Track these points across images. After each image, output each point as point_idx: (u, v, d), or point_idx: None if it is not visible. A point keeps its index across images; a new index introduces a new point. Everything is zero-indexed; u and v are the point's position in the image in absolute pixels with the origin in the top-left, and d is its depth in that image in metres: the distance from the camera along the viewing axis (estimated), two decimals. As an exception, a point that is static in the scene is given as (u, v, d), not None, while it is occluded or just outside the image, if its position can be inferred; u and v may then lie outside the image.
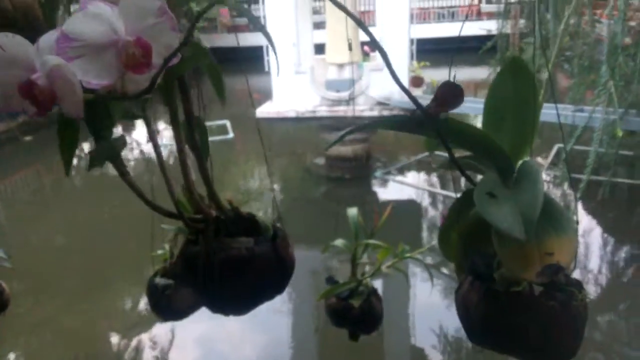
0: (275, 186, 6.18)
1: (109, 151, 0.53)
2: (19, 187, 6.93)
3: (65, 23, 0.34)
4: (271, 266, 0.61)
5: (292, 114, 5.11)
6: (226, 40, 14.68)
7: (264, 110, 5.11)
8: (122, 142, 0.53)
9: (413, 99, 0.52)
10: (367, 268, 1.16)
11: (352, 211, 1.18)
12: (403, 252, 1.21)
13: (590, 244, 4.58)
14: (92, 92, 0.36)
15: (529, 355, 0.55)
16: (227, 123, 7.79)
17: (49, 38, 0.36)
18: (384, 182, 5.60)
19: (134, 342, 3.35)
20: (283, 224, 0.68)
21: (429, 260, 3.07)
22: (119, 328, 3.54)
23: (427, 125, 0.52)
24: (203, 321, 3.52)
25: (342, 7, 0.47)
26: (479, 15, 13.41)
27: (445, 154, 0.55)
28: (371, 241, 1.12)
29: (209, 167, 0.63)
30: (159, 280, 1.21)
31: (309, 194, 5.69)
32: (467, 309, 0.57)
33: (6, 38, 0.35)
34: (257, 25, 0.53)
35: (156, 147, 0.60)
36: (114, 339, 3.48)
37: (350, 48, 4.82)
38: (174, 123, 0.57)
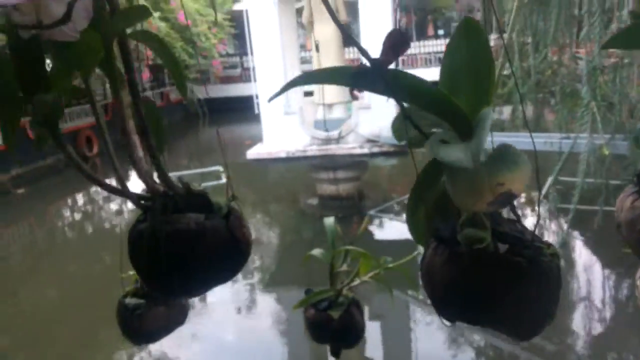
0: (271, 232, 6.12)
1: (49, 112, 0.51)
2: (11, 241, 6.83)
3: None
4: (224, 244, 0.58)
5: (282, 154, 5.12)
6: (220, 91, 14.95)
7: (254, 152, 5.13)
8: (59, 102, 0.50)
9: (361, 48, 0.50)
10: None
11: (329, 220, 1.14)
12: (385, 263, 1.17)
13: (591, 274, 4.51)
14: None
15: (503, 321, 0.51)
16: (220, 168, 7.82)
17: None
18: (378, 221, 5.56)
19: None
20: (239, 205, 0.64)
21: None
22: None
23: (375, 77, 0.50)
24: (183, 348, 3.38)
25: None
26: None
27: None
28: (350, 247, 1.08)
29: (163, 153, 0.61)
30: (130, 301, 1.16)
31: (304, 234, 5.64)
32: (431, 275, 0.53)
33: None
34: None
35: (99, 120, 0.58)
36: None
37: (317, 49, 4.88)
38: (115, 93, 0.54)
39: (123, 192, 0.58)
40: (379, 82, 0.50)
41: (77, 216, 7.72)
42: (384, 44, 0.50)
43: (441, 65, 0.59)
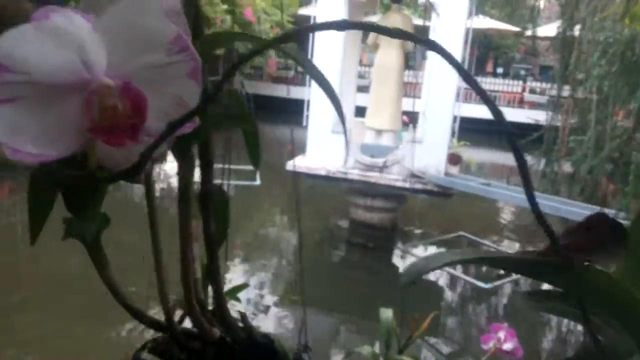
0: (294, 244, 5.97)
1: (86, 231, 0.37)
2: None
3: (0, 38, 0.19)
4: None
5: (322, 172, 4.98)
6: (269, 90, 14.94)
7: (294, 163, 5.00)
8: (101, 222, 0.36)
9: (539, 216, 0.34)
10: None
11: (387, 313, 0.98)
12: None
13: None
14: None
15: None
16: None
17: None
18: (408, 257, 5.34)
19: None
20: (312, 356, 0.49)
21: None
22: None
23: (560, 273, 0.34)
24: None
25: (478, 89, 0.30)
26: (521, 104, 13.38)
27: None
28: (405, 358, 0.91)
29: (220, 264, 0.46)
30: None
31: (327, 257, 5.46)
32: None
33: None
34: (318, 78, 0.37)
35: (154, 228, 0.44)
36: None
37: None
38: (183, 202, 0.40)
39: (165, 328, 0.43)
40: (562, 278, 0.34)
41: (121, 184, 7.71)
42: (581, 227, 0.34)
43: (631, 240, 0.43)
